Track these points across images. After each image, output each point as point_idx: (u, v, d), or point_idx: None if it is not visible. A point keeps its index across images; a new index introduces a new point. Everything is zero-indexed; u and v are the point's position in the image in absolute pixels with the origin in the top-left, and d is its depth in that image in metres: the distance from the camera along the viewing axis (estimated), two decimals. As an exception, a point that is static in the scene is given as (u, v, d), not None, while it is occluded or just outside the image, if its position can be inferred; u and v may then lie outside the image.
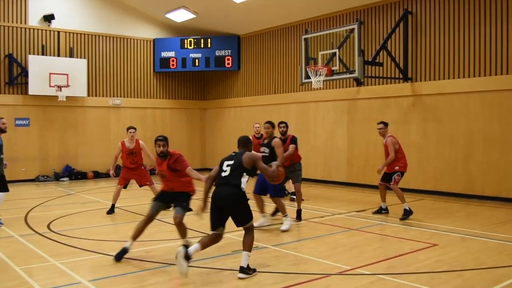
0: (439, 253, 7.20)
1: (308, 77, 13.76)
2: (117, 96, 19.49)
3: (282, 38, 18.19)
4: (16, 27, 17.32)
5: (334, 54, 13.63)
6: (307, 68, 13.79)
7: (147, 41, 20.25)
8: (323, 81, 13.45)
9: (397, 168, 10.25)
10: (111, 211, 10.97)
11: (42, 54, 17.69)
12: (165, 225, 9.43)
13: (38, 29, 17.76)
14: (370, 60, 13.59)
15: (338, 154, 15.99)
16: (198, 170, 20.06)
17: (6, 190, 9.67)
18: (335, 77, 13.73)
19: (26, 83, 17.16)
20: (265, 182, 8.73)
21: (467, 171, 12.85)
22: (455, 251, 7.31)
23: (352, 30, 13.40)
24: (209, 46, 19.89)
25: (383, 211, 10.57)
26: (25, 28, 17.51)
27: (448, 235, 8.45)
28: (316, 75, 13.37)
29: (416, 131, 13.94)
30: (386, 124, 10.55)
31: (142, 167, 11.30)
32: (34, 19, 17.70)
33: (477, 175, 12.66)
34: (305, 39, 14.46)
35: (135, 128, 11.46)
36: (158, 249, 7.62)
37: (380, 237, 8.44)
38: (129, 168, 11.13)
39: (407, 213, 9.92)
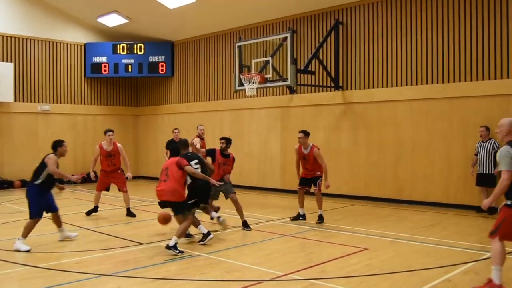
0: (370, 256, 7.40)
1: (241, 84, 13.82)
2: (46, 102, 18.83)
3: (216, 45, 18.22)
4: None
5: (267, 62, 13.78)
6: (241, 76, 13.86)
7: (77, 45, 19.71)
8: (257, 88, 13.55)
9: (318, 173, 10.41)
10: (92, 211, 11.34)
11: (-35, 57, 16.87)
12: (98, 235, 9.19)
13: (-40, 31, 16.93)
14: (302, 68, 13.83)
15: (272, 161, 16.15)
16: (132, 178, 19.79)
17: None
18: (268, 84, 13.87)
19: None
20: None
21: (396, 176, 13.31)
22: (384, 254, 7.54)
23: (285, 39, 13.59)
24: (142, 51, 19.62)
25: (300, 218, 10.62)
26: None
27: (378, 239, 8.71)
28: (249, 83, 13.46)
29: (347, 138, 14.31)
30: (306, 134, 10.55)
31: (119, 171, 11.46)
32: (-45, 21, 16.88)
33: (405, 181, 13.13)
34: (239, 47, 14.52)
35: (112, 131, 11.60)
36: (91, 259, 7.39)
37: (313, 242, 8.58)
38: (106, 172, 11.32)
39: (322, 218, 10.27)
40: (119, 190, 11.48)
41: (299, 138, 10.57)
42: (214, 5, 16.04)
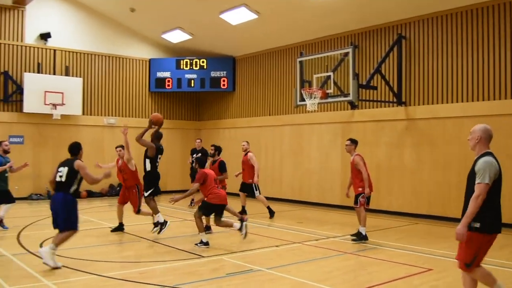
0: (435, 278, 7.19)
1: (302, 99, 13.85)
2: (112, 115, 19.50)
3: (277, 60, 18.34)
4: (13, 45, 17.37)
5: (329, 77, 13.75)
6: (302, 91, 13.89)
7: (143, 61, 20.35)
8: (318, 103, 13.54)
9: (360, 189, 10.09)
10: (117, 229, 11.09)
11: (38, 72, 17.72)
12: (161, 247, 9.38)
13: (34, 47, 17.83)
14: (364, 83, 13.72)
15: (333, 177, 16.01)
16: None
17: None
18: (329, 100, 13.83)
19: (21, 100, 17.16)
20: None
21: (461, 195, 12.82)
22: (450, 276, 7.30)
23: (346, 54, 13.55)
24: (204, 67, 20.01)
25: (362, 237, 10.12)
26: (22, 46, 17.57)
27: (443, 260, 8.45)
28: (310, 98, 13.46)
29: (409, 154, 14.01)
30: (353, 142, 10.36)
31: (134, 190, 11.07)
32: (30, 37, 17.78)
33: (470, 200, 12.68)
34: (300, 62, 14.59)
35: (122, 146, 11.54)
36: (153, 270, 7.54)
37: (374, 261, 8.42)
38: (124, 187, 11.26)
39: (361, 237, 9.92)
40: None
41: (346, 145, 10.47)
42: (276, 21, 16.19)
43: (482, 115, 12.49)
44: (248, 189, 13.44)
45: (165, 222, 10.05)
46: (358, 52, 15.00)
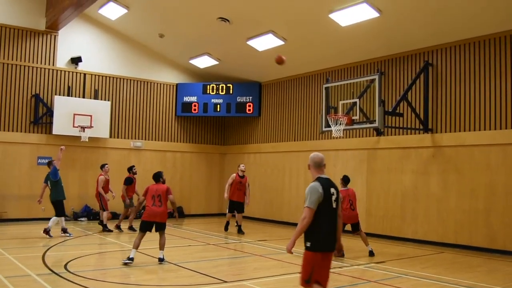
0: (460, 309, 7.04)
1: (328, 125, 13.85)
2: (139, 139, 19.76)
3: (303, 86, 18.42)
4: (45, 68, 17.83)
5: (355, 103, 13.74)
6: (328, 117, 13.90)
7: (170, 85, 20.66)
8: (343, 130, 13.52)
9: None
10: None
11: (68, 95, 18.12)
12: (184, 270, 9.39)
13: (65, 71, 18.26)
14: (390, 110, 13.67)
15: (359, 204, 15.81)
16: (216, 215, 20.12)
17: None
18: (355, 126, 13.80)
19: (51, 122, 17.53)
20: None
21: (488, 224, 12.65)
22: (476, 307, 7.15)
23: (372, 80, 13.55)
24: (230, 92, 20.20)
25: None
26: (53, 70, 18.01)
27: (469, 290, 8.27)
28: (336, 124, 13.45)
29: (436, 182, 13.84)
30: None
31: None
32: (62, 61, 18.23)
33: (498, 229, 12.45)
34: (326, 88, 14.63)
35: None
36: (175, 294, 7.55)
37: (399, 290, 8.29)
38: None
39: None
40: None
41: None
42: (302, 47, 16.32)
43: (510, 143, 12.33)
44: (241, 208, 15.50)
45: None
46: (384, 79, 14.99)
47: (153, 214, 9.98)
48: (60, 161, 13.72)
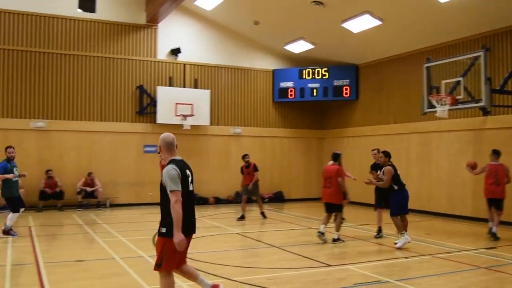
0: None
1: (430, 106, 13.39)
2: (238, 125, 20.17)
3: (402, 66, 17.84)
4: (146, 61, 18.65)
5: (458, 82, 13.16)
6: (430, 97, 13.43)
7: (266, 72, 20.84)
8: (447, 110, 13.00)
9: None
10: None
11: (169, 85, 18.85)
12: (288, 254, 9.53)
13: (166, 62, 18.99)
14: (498, 88, 12.95)
15: (463, 187, 15.21)
16: (315, 199, 20.13)
17: (18, 210, 11.08)
18: (459, 106, 13.24)
19: (155, 112, 18.35)
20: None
21: None
22: None
23: (477, 57, 12.89)
24: (327, 76, 20.03)
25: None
26: (154, 61, 18.79)
27: None
28: (439, 104, 12.97)
29: (551, 163, 12.95)
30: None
31: None
32: (162, 53, 18.98)
33: None
34: (427, 68, 14.12)
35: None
36: (280, 277, 7.68)
37: (512, 277, 7.90)
38: None
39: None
40: None
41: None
42: (400, 27, 15.82)
43: None
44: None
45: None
46: (490, 55, 14.16)
47: (325, 195, 10.79)
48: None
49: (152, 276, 7.51)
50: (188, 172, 5.42)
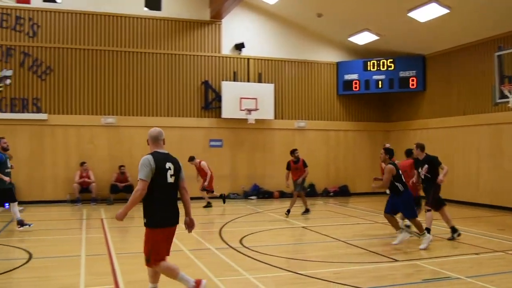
0: None
1: (502, 96, 12.86)
2: (302, 119, 20.12)
3: (471, 55, 17.16)
4: (211, 56, 18.93)
5: (533, 71, 12.58)
6: (502, 87, 12.91)
7: (330, 64, 20.65)
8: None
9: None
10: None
11: (234, 80, 19.05)
12: (354, 248, 9.46)
13: (230, 57, 19.20)
14: None
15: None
16: (381, 194, 19.81)
17: (14, 200, 11.26)
18: (534, 96, 12.64)
19: (220, 107, 18.62)
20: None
21: None
22: None
23: (555, 45, 12.26)
24: (392, 67, 19.60)
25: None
26: (219, 57, 19.04)
27: None
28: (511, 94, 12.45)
29: None
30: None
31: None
32: (226, 48, 19.21)
33: None
34: (499, 56, 13.57)
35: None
36: (346, 271, 7.64)
37: None
38: None
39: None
40: None
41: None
42: (469, 15, 15.23)
43: None
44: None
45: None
46: None
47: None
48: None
49: (221, 268, 7.70)
50: (169, 165, 5.63)
